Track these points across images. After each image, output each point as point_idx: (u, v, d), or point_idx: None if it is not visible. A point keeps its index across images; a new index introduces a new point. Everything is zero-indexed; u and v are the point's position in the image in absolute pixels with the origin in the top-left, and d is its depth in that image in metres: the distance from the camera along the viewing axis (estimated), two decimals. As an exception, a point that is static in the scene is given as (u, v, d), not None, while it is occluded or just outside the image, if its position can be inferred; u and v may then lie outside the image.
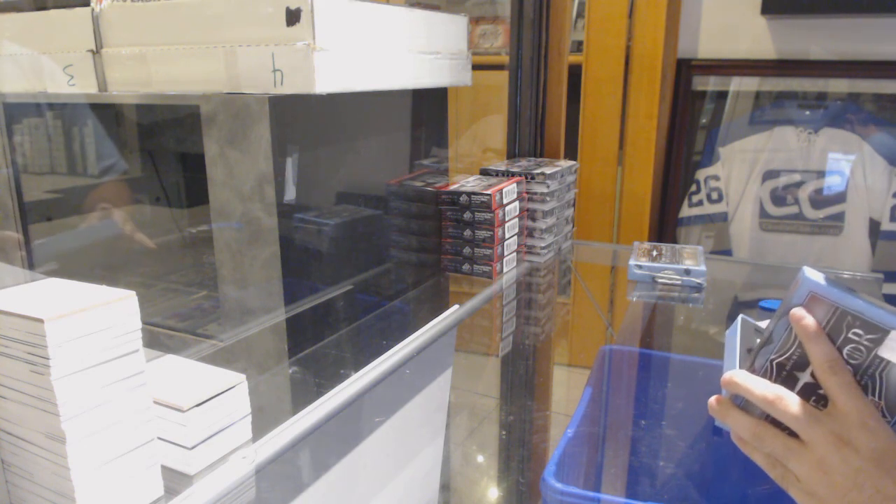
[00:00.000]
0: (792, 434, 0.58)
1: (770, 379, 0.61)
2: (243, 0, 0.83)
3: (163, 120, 1.13)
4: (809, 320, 0.59)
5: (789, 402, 0.57)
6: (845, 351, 0.59)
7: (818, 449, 0.55)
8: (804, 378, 0.60)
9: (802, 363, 0.60)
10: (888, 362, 0.58)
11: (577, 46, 1.92)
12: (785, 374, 0.61)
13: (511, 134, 1.56)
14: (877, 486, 0.52)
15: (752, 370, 0.62)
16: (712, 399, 0.62)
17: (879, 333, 0.57)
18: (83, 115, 1.15)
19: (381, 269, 1.11)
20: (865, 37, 1.70)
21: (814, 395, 0.60)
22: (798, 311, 0.59)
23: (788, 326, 0.61)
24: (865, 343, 0.58)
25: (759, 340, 0.63)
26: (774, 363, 0.62)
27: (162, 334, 0.96)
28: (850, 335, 0.59)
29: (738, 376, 0.61)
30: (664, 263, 1.25)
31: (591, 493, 0.68)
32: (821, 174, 1.77)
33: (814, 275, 0.60)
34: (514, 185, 1.24)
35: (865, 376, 0.59)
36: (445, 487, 1.05)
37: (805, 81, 1.79)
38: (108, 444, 0.53)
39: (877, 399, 0.58)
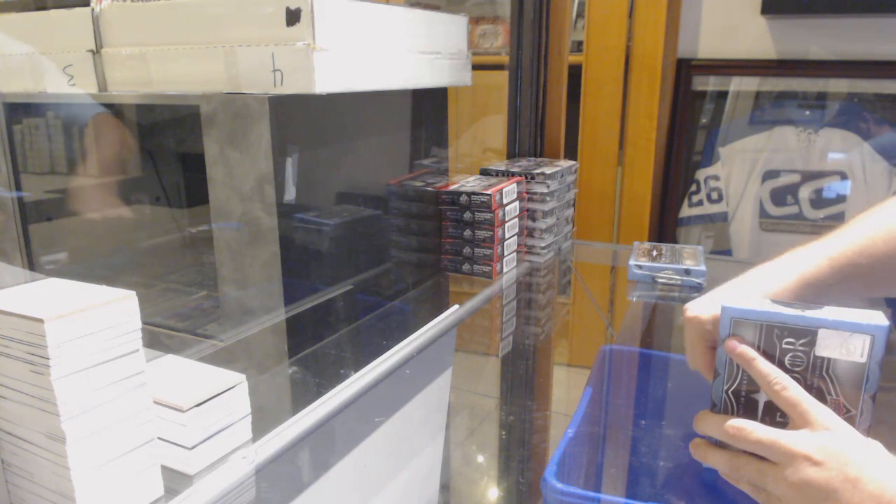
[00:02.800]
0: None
1: (732, 408, 0.63)
2: (243, 0, 0.83)
3: (163, 120, 1.12)
4: (742, 348, 0.61)
5: (749, 430, 0.59)
6: (787, 360, 0.61)
7: (786, 466, 0.56)
8: (763, 398, 0.62)
9: (755, 385, 0.62)
10: (829, 359, 0.59)
11: (577, 46, 1.92)
12: (744, 400, 0.63)
13: (511, 134, 1.56)
14: (849, 486, 0.53)
15: (713, 406, 0.65)
16: (691, 444, 0.65)
17: (809, 336, 0.60)
18: (83, 115, 1.15)
19: (381, 269, 1.11)
20: (865, 37, 1.70)
21: (778, 410, 0.61)
22: (730, 342, 0.62)
23: (728, 356, 0.63)
24: (801, 348, 0.60)
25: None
26: (730, 393, 0.64)
27: (162, 334, 0.96)
28: (784, 345, 0.61)
29: (701, 420, 0.64)
30: (664, 263, 1.25)
31: (591, 493, 0.68)
32: (821, 174, 1.77)
33: (731, 301, 0.62)
34: (514, 185, 1.24)
35: (815, 378, 0.60)
36: (445, 487, 1.05)
37: (805, 81, 1.79)
38: (108, 444, 0.53)
39: (835, 396, 0.60)
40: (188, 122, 1.05)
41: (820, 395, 0.60)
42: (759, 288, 0.67)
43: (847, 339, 0.58)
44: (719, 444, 0.63)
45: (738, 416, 0.63)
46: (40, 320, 0.48)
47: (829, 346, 0.59)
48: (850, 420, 0.59)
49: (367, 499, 0.85)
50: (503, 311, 1.22)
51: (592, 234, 1.92)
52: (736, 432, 0.59)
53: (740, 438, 0.59)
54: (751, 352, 0.61)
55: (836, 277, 0.68)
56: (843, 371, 0.59)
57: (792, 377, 0.60)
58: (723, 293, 0.68)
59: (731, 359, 0.63)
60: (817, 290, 0.67)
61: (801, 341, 0.60)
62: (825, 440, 0.55)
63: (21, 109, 1.10)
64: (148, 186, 1.21)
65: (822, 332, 0.59)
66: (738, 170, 1.85)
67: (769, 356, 0.61)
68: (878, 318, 0.58)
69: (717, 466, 0.63)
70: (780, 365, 0.61)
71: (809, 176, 1.78)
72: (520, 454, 1.09)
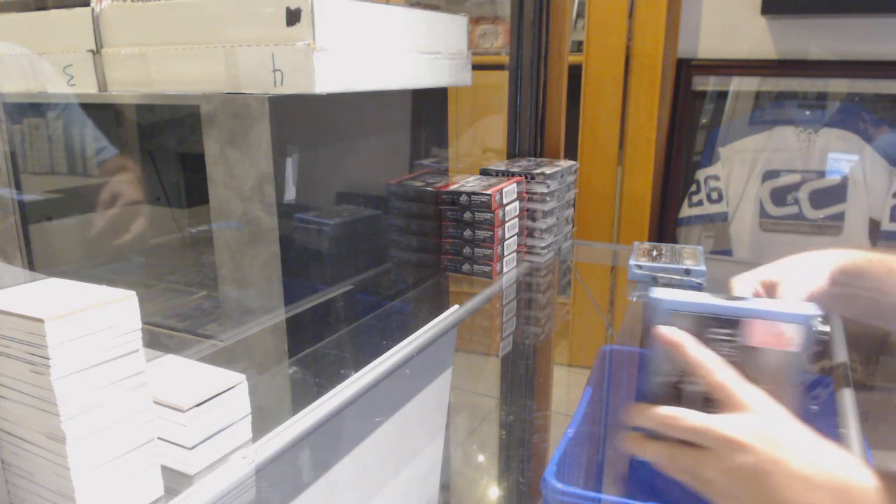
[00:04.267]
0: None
1: (665, 399, 0.63)
2: (243, 0, 0.83)
3: (163, 120, 1.12)
4: (671, 334, 0.61)
5: (682, 418, 0.59)
6: (718, 350, 0.61)
7: (719, 451, 0.56)
8: (692, 387, 0.62)
9: (684, 374, 0.62)
10: (760, 349, 0.60)
11: (577, 46, 1.92)
12: (675, 390, 0.63)
13: (511, 134, 1.56)
14: (776, 467, 0.53)
15: (645, 396, 0.65)
16: (627, 437, 0.65)
17: (740, 326, 0.60)
18: (83, 115, 1.15)
19: (381, 269, 1.11)
20: (865, 37, 1.70)
21: (709, 397, 0.61)
22: (662, 331, 0.62)
23: (659, 345, 0.63)
24: (733, 338, 0.61)
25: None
26: (658, 382, 0.64)
27: (162, 334, 0.96)
28: (715, 336, 0.61)
29: (633, 412, 0.63)
30: (664, 263, 1.24)
31: (591, 494, 0.68)
32: (821, 174, 1.77)
33: (662, 293, 0.63)
34: (514, 185, 1.24)
35: (747, 368, 0.61)
36: (445, 487, 1.05)
37: (805, 81, 1.79)
38: (108, 444, 0.53)
39: (766, 386, 0.60)
40: (188, 122, 1.05)
41: None
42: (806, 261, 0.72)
43: (777, 329, 0.59)
44: (652, 435, 0.63)
45: (670, 404, 0.62)
46: (40, 320, 0.48)
47: (759, 337, 0.59)
48: None
49: (367, 499, 0.85)
50: (503, 311, 1.22)
51: (592, 234, 1.92)
52: (669, 420, 0.59)
53: (673, 426, 0.59)
54: (678, 337, 0.60)
55: (871, 270, 0.71)
56: (773, 361, 0.60)
57: None
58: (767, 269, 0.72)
59: (662, 347, 0.63)
60: (850, 275, 0.71)
61: (733, 331, 0.60)
62: (753, 422, 0.56)
63: (27, 108, 1.10)
64: (148, 186, 1.21)
65: (753, 323, 0.59)
66: (738, 170, 1.85)
67: (697, 345, 0.61)
68: (808, 309, 0.59)
69: (655, 458, 0.62)
70: None
71: (809, 176, 1.78)
72: (520, 454, 1.09)
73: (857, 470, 0.52)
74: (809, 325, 0.58)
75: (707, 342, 0.61)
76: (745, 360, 0.60)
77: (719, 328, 0.60)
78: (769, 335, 0.59)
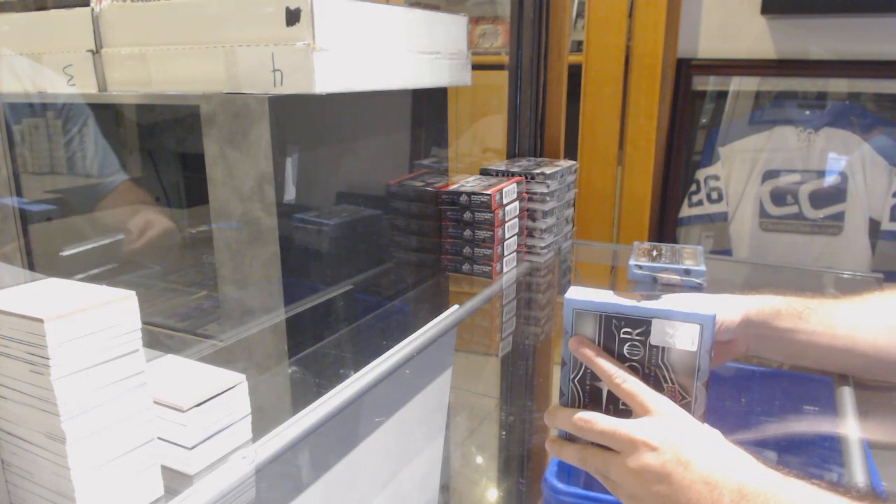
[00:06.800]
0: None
1: (579, 397, 0.65)
2: (243, 0, 0.83)
3: (163, 120, 1.12)
4: (584, 347, 0.63)
5: (594, 421, 0.61)
6: (625, 349, 0.63)
7: (627, 453, 0.58)
8: (606, 386, 0.64)
9: (600, 378, 0.64)
10: (663, 348, 0.61)
11: (577, 46, 1.92)
12: (589, 388, 0.65)
13: (511, 134, 1.56)
14: (681, 469, 0.55)
15: (561, 396, 0.66)
16: (547, 441, 0.67)
17: (644, 325, 0.61)
18: (83, 116, 1.15)
19: (381, 269, 1.11)
20: (865, 37, 1.70)
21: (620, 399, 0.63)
22: (573, 342, 0.64)
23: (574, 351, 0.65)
24: (637, 338, 0.62)
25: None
26: (576, 381, 0.65)
27: (162, 334, 0.96)
28: (622, 335, 0.62)
29: (552, 413, 0.66)
30: (664, 263, 1.24)
31: (591, 494, 0.68)
32: (821, 174, 1.77)
33: (573, 293, 0.64)
34: (514, 185, 1.24)
35: (652, 366, 0.62)
36: (445, 488, 1.05)
37: (805, 81, 1.79)
38: (108, 444, 0.53)
39: (671, 384, 0.61)
40: (188, 122, 1.05)
41: (657, 383, 0.62)
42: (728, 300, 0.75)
43: (678, 328, 0.60)
44: (570, 437, 0.65)
45: (585, 404, 0.65)
46: (40, 320, 0.48)
47: (661, 336, 0.61)
48: (686, 406, 0.61)
49: (367, 499, 0.85)
50: (503, 311, 1.22)
51: (592, 234, 1.92)
52: (583, 424, 0.62)
53: (587, 430, 0.62)
54: (590, 350, 0.63)
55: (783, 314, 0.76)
56: (676, 359, 0.61)
57: (630, 366, 0.62)
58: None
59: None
60: (767, 316, 0.75)
61: (637, 331, 0.62)
62: (661, 426, 0.58)
63: (21, 109, 1.10)
64: (148, 186, 1.21)
65: (654, 322, 0.61)
66: (738, 170, 1.85)
67: (609, 346, 0.63)
68: (707, 308, 0.59)
69: (570, 460, 0.65)
70: (620, 354, 0.63)
71: (809, 176, 1.78)
72: (520, 454, 1.09)
73: (754, 471, 0.54)
74: (707, 325, 0.59)
75: (613, 340, 0.63)
76: (651, 359, 0.62)
77: (627, 327, 0.62)
78: (669, 334, 0.60)
